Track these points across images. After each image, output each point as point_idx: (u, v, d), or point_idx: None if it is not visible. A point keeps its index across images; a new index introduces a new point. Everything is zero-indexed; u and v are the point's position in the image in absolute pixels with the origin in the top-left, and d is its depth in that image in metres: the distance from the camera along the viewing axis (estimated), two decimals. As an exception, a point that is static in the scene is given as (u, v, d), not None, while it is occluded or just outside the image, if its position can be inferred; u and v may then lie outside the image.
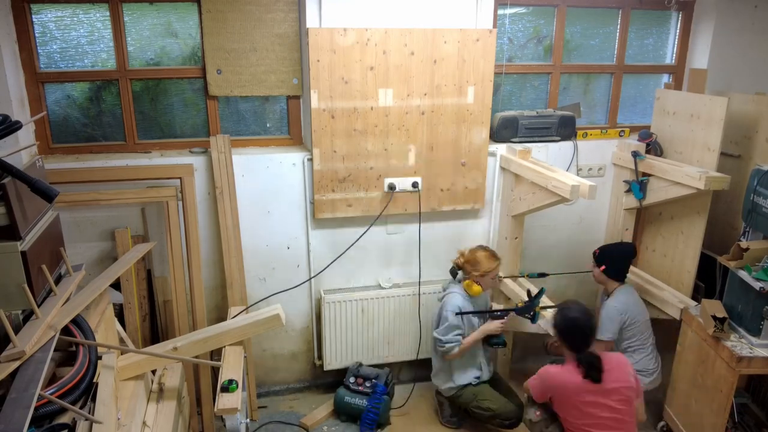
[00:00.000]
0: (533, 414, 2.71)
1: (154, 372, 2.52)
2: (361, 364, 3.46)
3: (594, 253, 3.29)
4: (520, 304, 3.14)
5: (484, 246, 3.21)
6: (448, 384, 3.21)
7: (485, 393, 3.16)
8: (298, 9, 3.09)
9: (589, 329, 2.48)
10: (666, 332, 3.38)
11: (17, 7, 2.83)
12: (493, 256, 3.13)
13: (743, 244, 2.72)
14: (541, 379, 2.62)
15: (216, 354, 2.91)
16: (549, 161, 3.46)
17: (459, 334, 3.09)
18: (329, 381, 3.63)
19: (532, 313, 3.07)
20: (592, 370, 2.43)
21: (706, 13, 3.60)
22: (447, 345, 3.08)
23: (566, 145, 3.57)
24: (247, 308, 3.09)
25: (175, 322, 3.11)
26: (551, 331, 2.65)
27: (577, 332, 2.48)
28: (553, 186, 2.90)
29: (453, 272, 3.22)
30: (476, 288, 3.10)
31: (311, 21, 2.97)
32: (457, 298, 3.11)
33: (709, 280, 3.21)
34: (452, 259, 3.22)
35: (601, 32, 3.68)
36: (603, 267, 3.20)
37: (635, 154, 3.36)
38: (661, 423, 3.19)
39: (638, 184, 3.37)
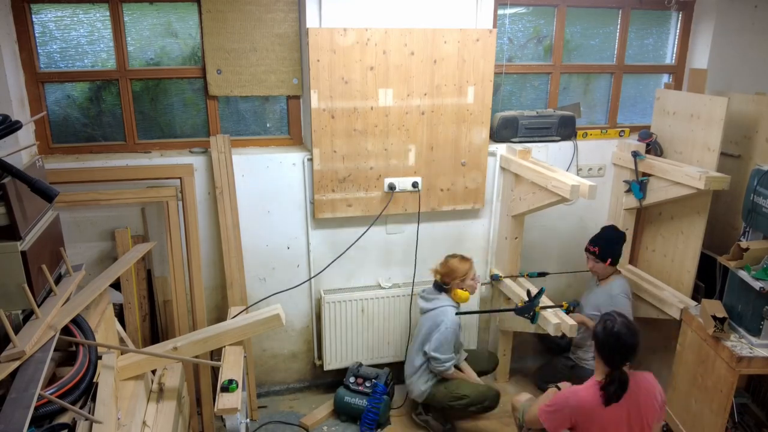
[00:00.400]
0: None
1: (154, 372, 2.52)
2: (361, 364, 3.46)
3: (588, 249, 3.29)
4: (520, 304, 3.14)
5: (452, 254, 3.21)
6: (421, 387, 3.16)
7: (454, 382, 3.15)
8: (298, 9, 3.09)
9: (632, 347, 2.27)
10: (666, 332, 3.38)
11: (17, 7, 2.83)
12: (463, 258, 3.16)
13: (743, 244, 2.71)
14: (559, 405, 2.37)
15: (216, 354, 2.91)
16: (549, 161, 3.46)
17: (454, 351, 3.10)
18: (329, 381, 3.63)
19: (531, 313, 3.07)
20: (615, 387, 2.25)
21: (706, 13, 3.60)
22: (446, 364, 3.06)
23: (566, 145, 3.58)
24: (247, 308, 3.10)
25: (175, 322, 3.11)
26: (590, 341, 2.49)
27: (617, 347, 2.26)
28: (553, 186, 2.90)
29: (439, 287, 3.16)
30: (464, 294, 3.11)
31: (311, 21, 2.97)
32: (451, 313, 3.07)
33: (709, 280, 3.21)
34: (434, 277, 3.19)
35: (601, 32, 3.68)
36: (609, 260, 3.23)
37: (635, 154, 3.36)
38: (661, 423, 3.19)
39: (638, 184, 3.37)
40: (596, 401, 2.28)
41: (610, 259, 3.24)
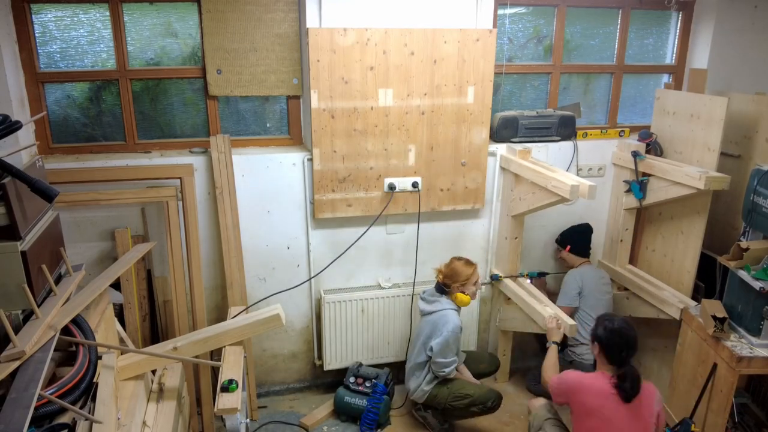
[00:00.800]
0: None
1: (154, 372, 2.52)
2: (361, 364, 3.46)
3: (556, 239, 3.65)
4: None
5: (457, 257, 3.20)
6: (423, 389, 3.14)
7: (457, 381, 3.14)
8: (298, 9, 3.09)
9: (633, 340, 2.35)
10: (666, 332, 3.38)
11: (17, 7, 2.83)
12: (468, 262, 3.14)
13: (743, 244, 2.71)
14: (563, 380, 2.50)
15: (216, 354, 2.91)
16: (549, 161, 3.46)
17: (455, 354, 3.08)
18: (329, 381, 3.63)
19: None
20: (627, 384, 2.29)
21: (706, 13, 3.60)
22: (447, 369, 3.04)
23: (566, 145, 3.58)
24: (247, 308, 3.09)
25: (175, 322, 3.11)
26: (591, 347, 2.52)
27: (622, 343, 2.33)
28: (553, 186, 2.90)
29: (440, 289, 3.15)
30: (465, 298, 3.09)
31: (311, 21, 2.97)
32: (454, 317, 3.05)
33: (709, 280, 3.21)
34: (435, 278, 3.18)
35: (601, 32, 3.68)
36: (569, 247, 3.53)
37: (635, 154, 3.36)
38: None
39: (638, 184, 3.37)
40: (596, 386, 2.36)
41: (569, 246, 3.53)
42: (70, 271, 2.30)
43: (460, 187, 3.38)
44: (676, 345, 3.07)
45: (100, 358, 2.08)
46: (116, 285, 2.90)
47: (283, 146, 3.35)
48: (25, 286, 1.86)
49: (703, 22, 3.63)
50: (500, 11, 3.41)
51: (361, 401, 3.29)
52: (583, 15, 3.59)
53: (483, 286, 3.64)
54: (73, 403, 1.81)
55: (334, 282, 3.47)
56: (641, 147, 3.39)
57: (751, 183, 2.74)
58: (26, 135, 2.87)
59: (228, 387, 2.23)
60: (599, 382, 2.37)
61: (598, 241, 3.79)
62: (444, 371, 3.05)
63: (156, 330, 3.24)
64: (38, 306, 1.94)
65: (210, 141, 3.08)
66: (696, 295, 3.23)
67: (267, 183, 3.21)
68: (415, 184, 3.28)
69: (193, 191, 3.05)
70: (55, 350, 1.88)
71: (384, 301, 3.45)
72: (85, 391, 1.89)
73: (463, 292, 3.09)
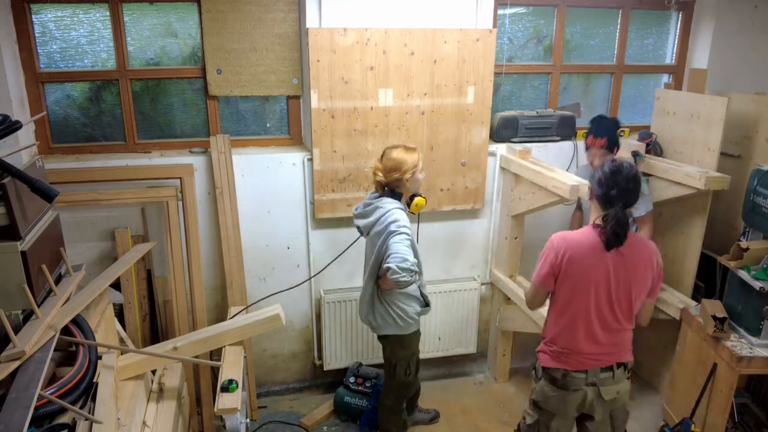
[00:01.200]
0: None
1: (154, 372, 2.52)
2: (361, 364, 3.46)
3: (596, 143, 2.95)
4: None
5: (390, 146, 2.65)
6: (401, 329, 2.72)
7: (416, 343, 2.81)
8: (298, 9, 3.09)
9: (625, 179, 2.01)
10: (666, 332, 3.38)
11: (17, 7, 2.83)
12: (407, 147, 2.60)
13: (743, 244, 2.72)
14: (546, 250, 2.17)
15: (216, 354, 2.91)
16: (549, 161, 3.45)
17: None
18: (329, 381, 3.63)
19: None
20: (609, 226, 1.99)
21: (706, 13, 3.60)
22: (410, 272, 2.35)
23: (566, 145, 3.57)
24: (247, 308, 3.10)
25: (175, 322, 3.11)
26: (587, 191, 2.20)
27: (611, 180, 2.03)
28: (553, 186, 2.90)
29: (387, 192, 2.63)
30: (421, 201, 2.64)
31: (311, 21, 2.97)
32: (403, 215, 2.51)
33: (709, 280, 3.21)
34: (375, 180, 2.63)
35: (601, 32, 3.68)
36: (605, 140, 2.93)
37: (635, 154, 3.35)
38: (662, 423, 3.20)
39: (638, 184, 3.36)
40: (585, 241, 2.10)
41: (606, 138, 2.95)
42: (70, 271, 2.30)
43: (460, 187, 3.38)
44: (676, 345, 3.07)
45: (100, 358, 2.08)
46: (116, 285, 2.90)
47: (283, 146, 3.35)
48: (25, 286, 1.86)
49: (703, 22, 3.63)
50: (500, 11, 3.41)
51: (361, 401, 3.29)
52: (583, 15, 3.59)
53: (483, 286, 3.65)
54: (73, 403, 1.81)
55: (334, 282, 3.47)
56: (641, 147, 3.39)
57: (751, 183, 2.74)
58: (26, 135, 2.87)
59: (228, 387, 2.23)
60: (583, 233, 2.12)
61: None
62: (400, 275, 2.34)
63: (156, 330, 3.24)
64: (38, 306, 1.94)
65: (210, 141, 3.08)
66: (696, 295, 3.23)
67: (267, 183, 3.21)
68: (415, 184, 3.25)
69: (193, 191, 3.05)
70: (55, 350, 1.88)
71: (384, 301, 3.44)
72: (85, 391, 1.89)
73: (416, 185, 2.62)
